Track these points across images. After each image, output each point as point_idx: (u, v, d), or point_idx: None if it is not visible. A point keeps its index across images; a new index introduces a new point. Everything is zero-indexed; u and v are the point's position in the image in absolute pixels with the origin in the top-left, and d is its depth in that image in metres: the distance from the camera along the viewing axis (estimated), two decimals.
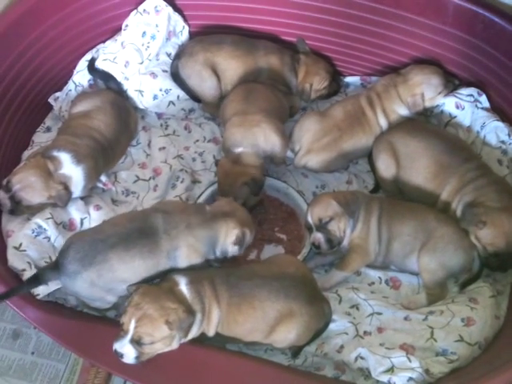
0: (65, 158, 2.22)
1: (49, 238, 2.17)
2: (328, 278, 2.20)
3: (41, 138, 2.60)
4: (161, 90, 2.62)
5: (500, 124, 2.35)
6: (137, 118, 2.63)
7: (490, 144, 2.36)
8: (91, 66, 2.60)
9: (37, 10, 2.48)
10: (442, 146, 2.31)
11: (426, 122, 2.51)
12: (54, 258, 2.09)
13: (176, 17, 2.70)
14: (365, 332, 2.03)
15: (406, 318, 2.04)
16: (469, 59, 2.46)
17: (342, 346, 2.00)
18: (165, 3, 2.65)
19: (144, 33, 2.61)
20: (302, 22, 2.66)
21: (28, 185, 2.14)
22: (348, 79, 2.81)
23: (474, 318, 1.96)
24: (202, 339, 1.91)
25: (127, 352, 1.77)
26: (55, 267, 1.95)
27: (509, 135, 2.32)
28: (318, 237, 2.19)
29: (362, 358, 1.94)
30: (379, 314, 2.07)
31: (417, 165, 2.32)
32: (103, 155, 2.36)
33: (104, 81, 2.61)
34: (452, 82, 2.48)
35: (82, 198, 2.33)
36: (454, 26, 2.40)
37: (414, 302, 2.11)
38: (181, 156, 2.59)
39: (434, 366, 1.86)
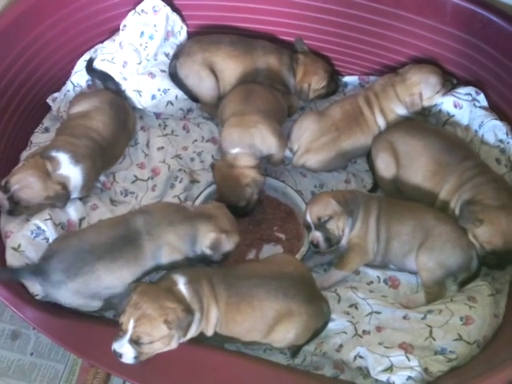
0: (63, 158, 2.22)
1: (47, 239, 2.16)
2: (327, 278, 2.20)
3: (39, 139, 2.60)
4: (159, 90, 2.62)
5: (498, 123, 2.36)
6: (135, 118, 2.63)
7: (488, 143, 2.37)
8: (89, 67, 2.60)
9: (35, 11, 2.48)
10: (440, 145, 2.31)
11: (424, 122, 2.52)
12: None
13: (174, 17, 2.70)
14: (364, 331, 2.03)
15: (404, 317, 2.04)
16: (467, 58, 2.46)
17: (340, 346, 2.00)
18: (163, 3, 2.65)
19: (142, 33, 2.61)
20: (299, 21, 2.66)
21: (26, 185, 2.13)
22: (346, 79, 2.81)
23: (472, 316, 1.96)
24: (200, 339, 1.91)
25: (126, 352, 1.77)
26: (36, 271, 1.94)
27: (507, 134, 2.32)
28: (317, 236, 2.19)
29: (360, 357, 1.94)
30: (378, 313, 2.07)
31: (416, 164, 2.33)
32: (102, 155, 2.36)
33: (102, 81, 2.60)
34: (450, 81, 2.48)
35: (80, 199, 2.33)
36: (452, 26, 2.41)
37: (413, 301, 2.11)
38: (179, 156, 2.59)
39: (433, 365, 1.86)
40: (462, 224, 2.14)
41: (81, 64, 2.66)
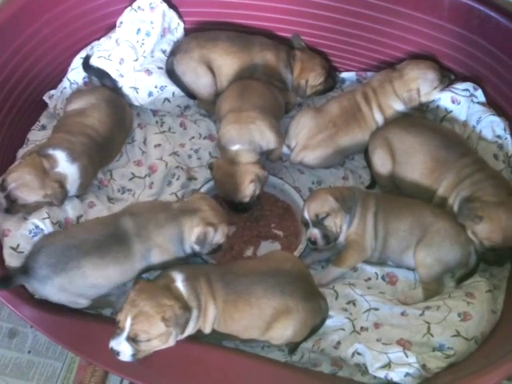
0: (60, 156, 2.21)
1: None
2: (325, 274, 2.20)
3: (36, 136, 2.58)
4: (156, 87, 2.61)
5: (496, 118, 2.35)
6: (132, 115, 2.62)
7: (485, 138, 2.36)
8: (86, 64, 2.59)
9: (31, 7, 2.47)
10: (438, 141, 2.30)
11: (421, 117, 2.51)
12: None
13: (171, 13, 2.69)
14: (361, 328, 2.03)
15: (402, 314, 2.04)
16: (465, 54, 2.45)
17: (338, 342, 2.00)
18: (159, 0, 2.64)
19: (139, 30, 2.60)
20: (297, 17, 2.65)
21: (23, 183, 2.12)
22: (344, 75, 2.81)
23: (470, 312, 1.96)
24: (198, 336, 1.91)
25: (123, 350, 1.76)
26: (24, 271, 1.93)
27: (505, 130, 2.32)
28: (315, 232, 2.18)
29: (358, 353, 1.94)
30: (376, 309, 2.07)
31: (413, 160, 2.32)
32: (98, 153, 2.35)
33: (99, 78, 2.59)
34: (448, 77, 2.47)
35: (77, 196, 2.33)
36: (449, 21, 2.40)
37: (411, 298, 2.11)
38: (176, 153, 2.58)
39: (431, 361, 1.86)
40: (461, 221, 2.14)
41: (77, 61, 2.65)
